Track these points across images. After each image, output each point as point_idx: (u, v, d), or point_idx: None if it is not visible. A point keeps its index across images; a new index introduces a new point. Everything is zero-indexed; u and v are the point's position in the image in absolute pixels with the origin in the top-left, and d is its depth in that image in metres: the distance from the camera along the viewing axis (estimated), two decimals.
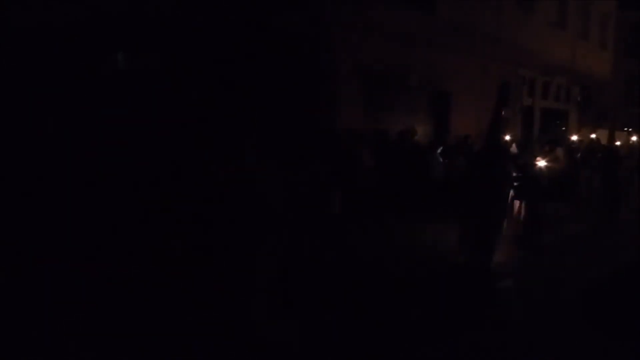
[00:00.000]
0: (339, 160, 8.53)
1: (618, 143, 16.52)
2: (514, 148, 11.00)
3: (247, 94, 8.65)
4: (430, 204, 9.10)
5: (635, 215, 11.12)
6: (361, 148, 9.08)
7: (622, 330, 5.12)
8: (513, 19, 13.26)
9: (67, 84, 6.85)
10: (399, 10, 10.13)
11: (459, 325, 5.09)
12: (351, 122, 10.33)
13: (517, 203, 8.86)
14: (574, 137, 16.05)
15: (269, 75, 9.18)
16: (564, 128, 18.70)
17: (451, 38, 12.12)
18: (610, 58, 21.22)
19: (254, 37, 8.84)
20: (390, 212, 8.49)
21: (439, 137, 11.91)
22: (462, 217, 7.07)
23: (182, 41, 7.90)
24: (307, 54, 10.01)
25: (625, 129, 20.23)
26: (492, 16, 12.39)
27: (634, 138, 18.42)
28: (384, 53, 11.12)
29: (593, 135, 16.44)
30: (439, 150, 10.44)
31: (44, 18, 6.87)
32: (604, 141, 15.07)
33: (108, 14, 7.20)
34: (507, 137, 11.79)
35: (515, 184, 8.41)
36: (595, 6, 19.37)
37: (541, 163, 8.34)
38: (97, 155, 6.09)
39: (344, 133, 9.39)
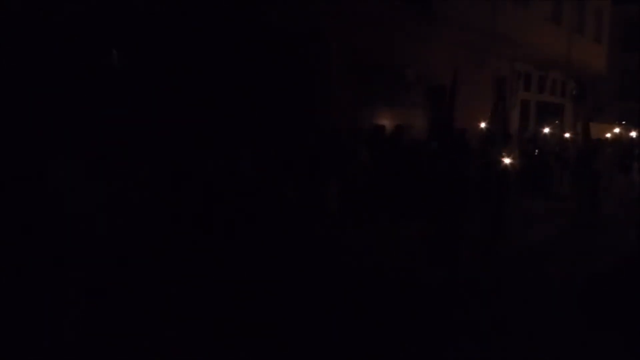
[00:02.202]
0: (335, 156, 8.53)
1: (608, 135, 16.48)
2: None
3: (241, 91, 8.62)
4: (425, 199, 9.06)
5: (617, 212, 10.78)
6: (357, 144, 9.09)
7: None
8: (509, 13, 13.25)
9: (62, 82, 6.82)
10: (395, 5, 10.11)
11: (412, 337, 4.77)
12: (347, 117, 10.33)
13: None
14: (546, 130, 15.71)
15: (264, 71, 9.16)
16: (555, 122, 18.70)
17: (447, 33, 12.12)
18: (605, 52, 21.26)
19: (248, 33, 8.81)
20: (385, 208, 8.45)
21: (434, 132, 11.91)
22: (419, 219, 6.47)
23: (175, 38, 7.88)
24: (302, 49, 9.99)
25: (624, 122, 20.24)
26: (487, 11, 12.38)
27: (616, 130, 18.22)
28: (379, 48, 11.11)
29: (567, 135, 16.10)
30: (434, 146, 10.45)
31: (39, 14, 6.83)
32: (596, 135, 14.57)
33: (102, 11, 7.16)
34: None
35: (479, 182, 7.67)
36: (590, 0, 19.39)
37: (507, 160, 7.57)
38: (92, 153, 6.07)
39: (340, 129, 9.39)
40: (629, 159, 13.40)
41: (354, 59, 10.70)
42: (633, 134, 16.33)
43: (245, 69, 8.88)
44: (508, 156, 7.52)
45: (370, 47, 10.91)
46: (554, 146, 13.53)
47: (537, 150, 12.47)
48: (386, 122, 10.99)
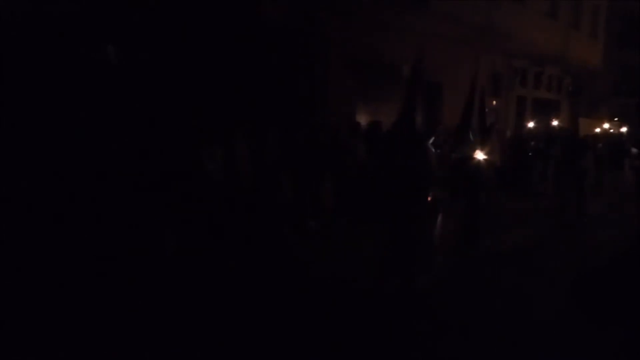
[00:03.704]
0: (331, 152, 8.52)
1: (598, 130, 16.42)
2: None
3: (238, 88, 8.60)
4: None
5: (606, 212, 10.50)
6: (354, 140, 9.08)
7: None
8: (505, 9, 13.23)
9: (57, 77, 6.78)
10: (392, 1, 10.09)
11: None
12: (343, 114, 10.31)
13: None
14: (531, 124, 15.35)
15: (261, 67, 9.13)
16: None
17: (443, 29, 12.09)
18: (602, 48, 21.27)
19: (244, 30, 8.77)
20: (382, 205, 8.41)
21: (430, 128, 11.88)
22: (378, 221, 5.93)
23: (172, 35, 7.84)
24: (299, 46, 9.96)
25: (616, 119, 20.30)
26: (484, 7, 12.35)
27: (606, 126, 18.08)
28: (376, 44, 11.08)
29: (555, 122, 15.80)
30: (430, 142, 10.43)
31: (33, 10, 6.79)
32: (585, 131, 13.82)
33: (97, 6, 7.13)
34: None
35: (448, 182, 7.12)
36: None
37: (480, 156, 7.08)
38: (85, 149, 6.05)
39: (336, 125, 9.38)
40: (620, 155, 13.27)
41: (350, 55, 10.67)
42: (624, 129, 16.19)
43: (242, 65, 8.86)
44: (483, 152, 7.05)
45: (366, 42, 10.88)
46: (539, 142, 13.36)
47: (528, 149, 12.29)
48: (382, 118, 10.96)
